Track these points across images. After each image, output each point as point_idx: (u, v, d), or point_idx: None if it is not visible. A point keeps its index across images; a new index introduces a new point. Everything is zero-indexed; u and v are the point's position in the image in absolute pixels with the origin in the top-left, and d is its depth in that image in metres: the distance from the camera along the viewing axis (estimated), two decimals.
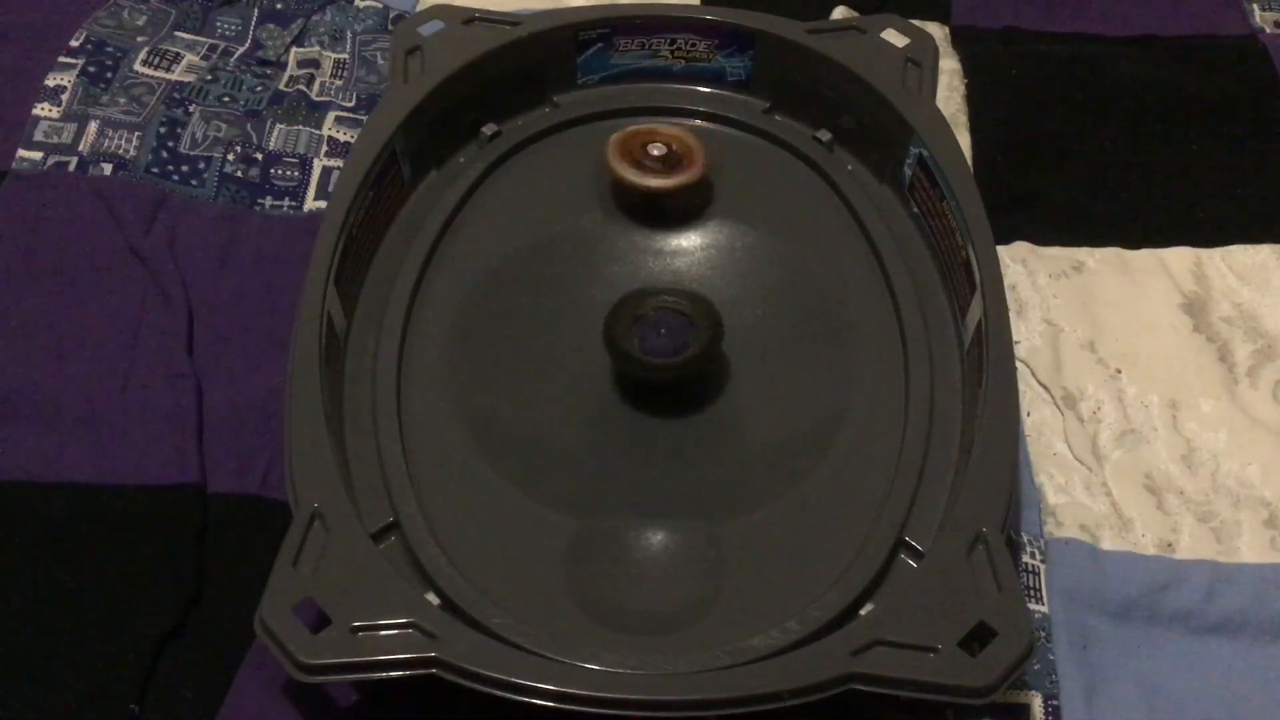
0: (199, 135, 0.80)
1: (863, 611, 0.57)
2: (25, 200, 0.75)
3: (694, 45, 0.76)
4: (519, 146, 0.74)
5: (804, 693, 0.52)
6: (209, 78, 0.83)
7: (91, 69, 0.82)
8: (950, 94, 0.85)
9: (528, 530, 0.61)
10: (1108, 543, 0.65)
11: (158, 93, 0.82)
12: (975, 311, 0.64)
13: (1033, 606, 0.62)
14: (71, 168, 0.77)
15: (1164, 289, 0.75)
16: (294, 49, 0.86)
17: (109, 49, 0.84)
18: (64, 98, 0.81)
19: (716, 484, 0.64)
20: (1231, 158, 0.82)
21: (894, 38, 0.75)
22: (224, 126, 0.80)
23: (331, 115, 0.82)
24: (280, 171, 0.79)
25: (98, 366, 0.69)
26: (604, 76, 0.78)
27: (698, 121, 0.75)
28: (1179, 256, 0.77)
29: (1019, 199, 0.79)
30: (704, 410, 0.67)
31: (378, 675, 0.53)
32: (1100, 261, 0.76)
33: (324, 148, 0.80)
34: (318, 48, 0.86)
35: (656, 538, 0.62)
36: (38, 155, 0.78)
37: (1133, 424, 0.69)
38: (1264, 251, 0.77)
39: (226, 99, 0.82)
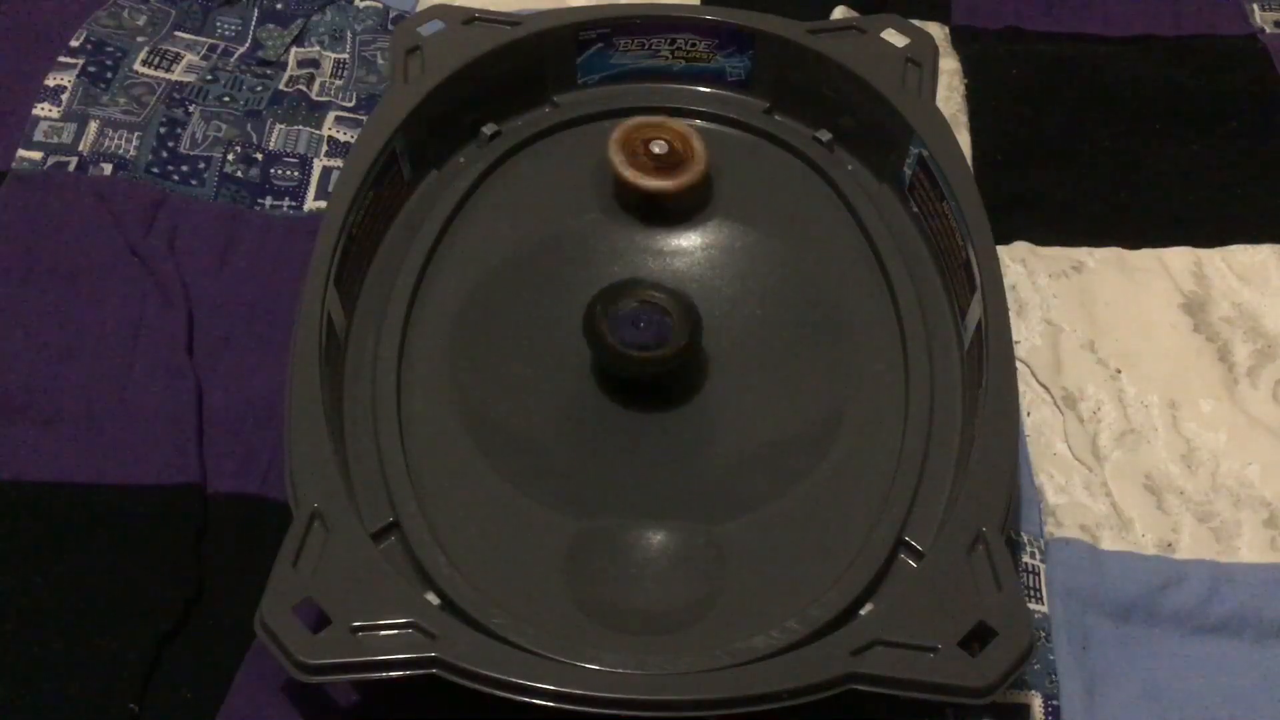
0: (199, 135, 0.80)
1: (863, 611, 0.57)
2: (25, 200, 0.75)
3: (694, 45, 0.76)
4: (519, 146, 0.74)
5: (804, 693, 0.52)
6: (209, 78, 0.83)
7: (91, 69, 0.82)
8: (950, 94, 0.85)
9: (528, 530, 0.61)
10: (1108, 543, 0.65)
11: (158, 93, 0.82)
12: (975, 311, 0.64)
13: (1033, 606, 0.62)
14: (71, 168, 0.77)
15: (1164, 289, 0.75)
16: (294, 49, 0.86)
17: (109, 49, 0.84)
18: (64, 98, 0.81)
19: (717, 484, 0.64)
20: (1231, 158, 0.82)
21: (894, 38, 0.75)
22: (224, 126, 0.80)
23: (331, 115, 0.82)
24: (280, 171, 0.79)
25: (98, 366, 0.69)
26: (604, 76, 0.78)
27: (698, 121, 0.75)
28: (1179, 256, 0.77)
29: (1019, 199, 0.79)
30: (705, 411, 0.67)
31: (378, 675, 0.53)
32: (1100, 261, 0.76)
33: (324, 148, 0.80)
34: (318, 48, 0.86)
35: (657, 538, 0.62)
36: (38, 155, 0.78)
37: (1133, 424, 0.69)
38: (1264, 251, 0.77)
39: (226, 99, 0.82)
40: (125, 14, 0.86)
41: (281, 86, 0.83)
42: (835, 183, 0.73)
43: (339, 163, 0.79)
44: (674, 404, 0.67)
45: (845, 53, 0.73)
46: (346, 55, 0.86)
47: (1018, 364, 0.66)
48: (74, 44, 0.84)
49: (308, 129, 0.81)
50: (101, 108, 0.81)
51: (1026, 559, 0.64)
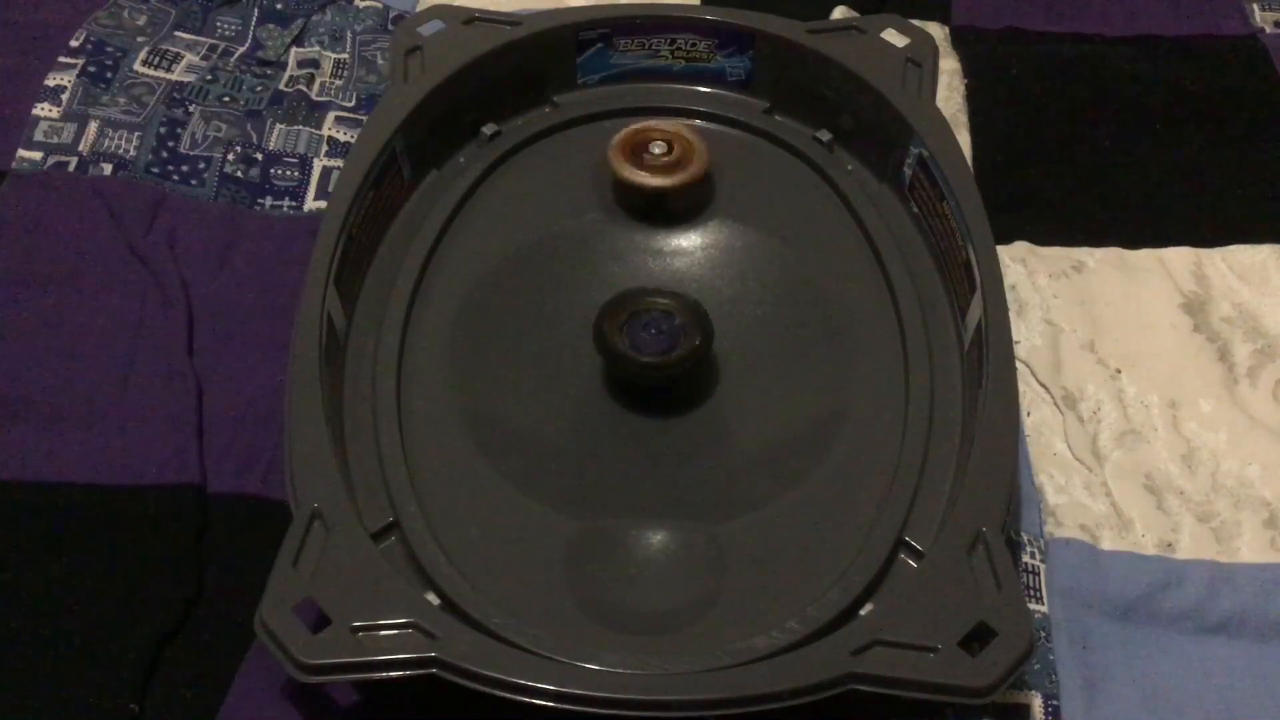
0: (199, 135, 0.80)
1: (863, 611, 0.57)
2: (25, 200, 0.75)
3: (694, 45, 0.76)
4: (519, 146, 0.74)
5: (804, 693, 0.52)
6: (209, 78, 0.83)
7: (91, 69, 0.82)
8: (950, 94, 0.85)
9: (528, 530, 0.61)
10: (1108, 543, 0.65)
11: (158, 93, 0.82)
12: (975, 311, 0.64)
13: (1033, 606, 0.62)
14: (71, 168, 0.77)
15: (1164, 289, 0.75)
16: (294, 49, 0.86)
17: (109, 49, 0.84)
18: (64, 98, 0.81)
19: (717, 484, 0.64)
20: (1231, 158, 0.82)
21: (894, 38, 0.75)
22: (224, 126, 0.80)
23: (331, 115, 0.82)
24: (280, 171, 0.79)
25: (98, 366, 0.69)
26: (604, 76, 0.78)
27: (698, 121, 0.75)
28: (1179, 256, 0.77)
29: (1019, 199, 0.79)
30: (705, 410, 0.66)
31: (378, 675, 0.53)
32: (1100, 261, 0.76)
33: (324, 148, 0.81)
34: (318, 48, 0.86)
35: (657, 537, 0.62)
36: (38, 155, 0.78)
37: (1133, 424, 0.69)
38: (1264, 251, 0.77)
39: (226, 99, 0.82)
40: (125, 14, 0.86)
41: (281, 86, 0.83)
42: (835, 183, 0.73)
43: (339, 163, 0.79)
44: (675, 404, 0.67)
45: (845, 53, 0.73)
46: (346, 55, 0.86)
47: (1018, 364, 0.66)
48: (74, 44, 0.84)
49: (308, 129, 0.81)
50: (101, 108, 0.81)
51: (1026, 559, 0.64)
